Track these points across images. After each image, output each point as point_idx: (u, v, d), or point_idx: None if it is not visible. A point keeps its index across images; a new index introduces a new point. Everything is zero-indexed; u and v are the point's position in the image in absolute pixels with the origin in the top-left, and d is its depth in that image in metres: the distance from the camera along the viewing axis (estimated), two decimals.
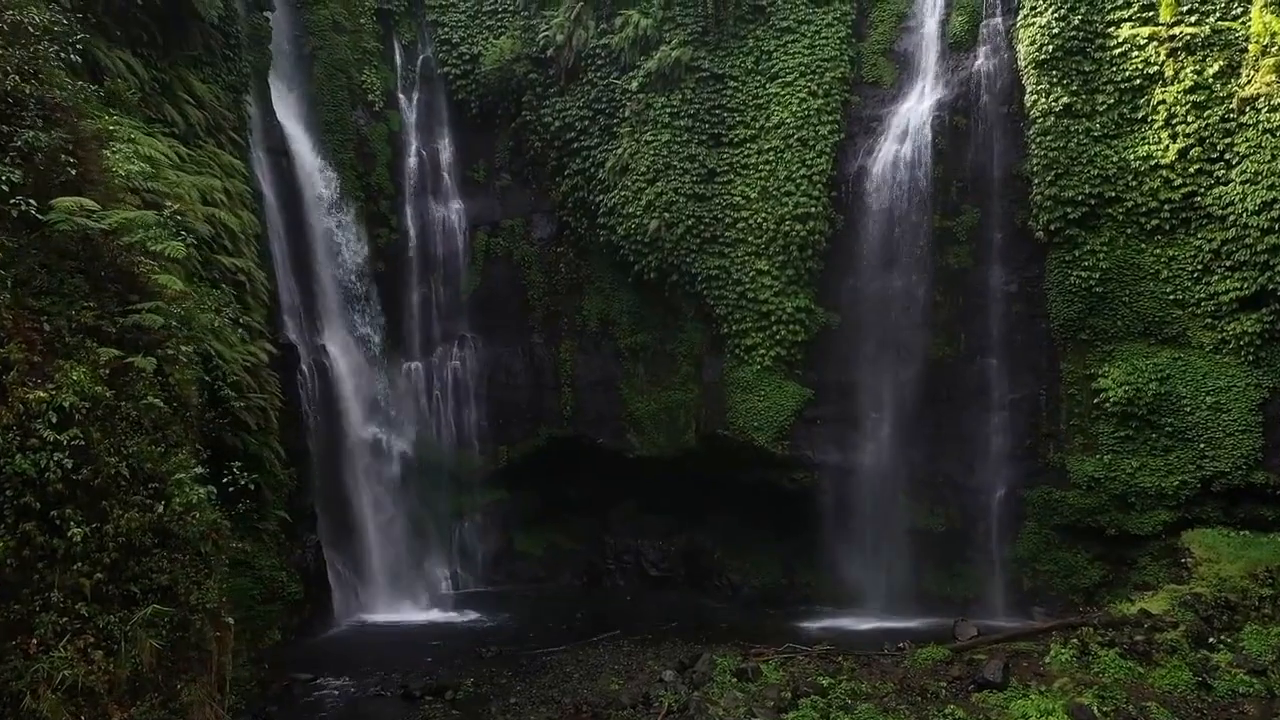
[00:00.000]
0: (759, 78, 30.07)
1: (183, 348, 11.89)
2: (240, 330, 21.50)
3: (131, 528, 10.33)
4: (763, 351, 29.26)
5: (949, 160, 28.34)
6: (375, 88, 32.54)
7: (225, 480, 12.73)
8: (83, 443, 9.89)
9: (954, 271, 28.42)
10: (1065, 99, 26.61)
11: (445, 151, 34.18)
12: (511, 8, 33.15)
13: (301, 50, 31.22)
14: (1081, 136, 26.57)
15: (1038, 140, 26.96)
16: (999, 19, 28.37)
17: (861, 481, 29.08)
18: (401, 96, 33.83)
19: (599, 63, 31.38)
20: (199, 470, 11.22)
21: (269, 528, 23.42)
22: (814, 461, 29.26)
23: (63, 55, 12.77)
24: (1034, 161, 27.05)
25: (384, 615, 28.17)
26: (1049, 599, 27.11)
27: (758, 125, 29.83)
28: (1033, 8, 27.31)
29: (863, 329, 29.02)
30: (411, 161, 33.68)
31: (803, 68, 29.58)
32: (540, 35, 32.14)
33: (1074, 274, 26.73)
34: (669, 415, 31.17)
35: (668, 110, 30.27)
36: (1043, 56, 26.88)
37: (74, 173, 11.34)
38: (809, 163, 29.08)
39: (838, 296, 29.37)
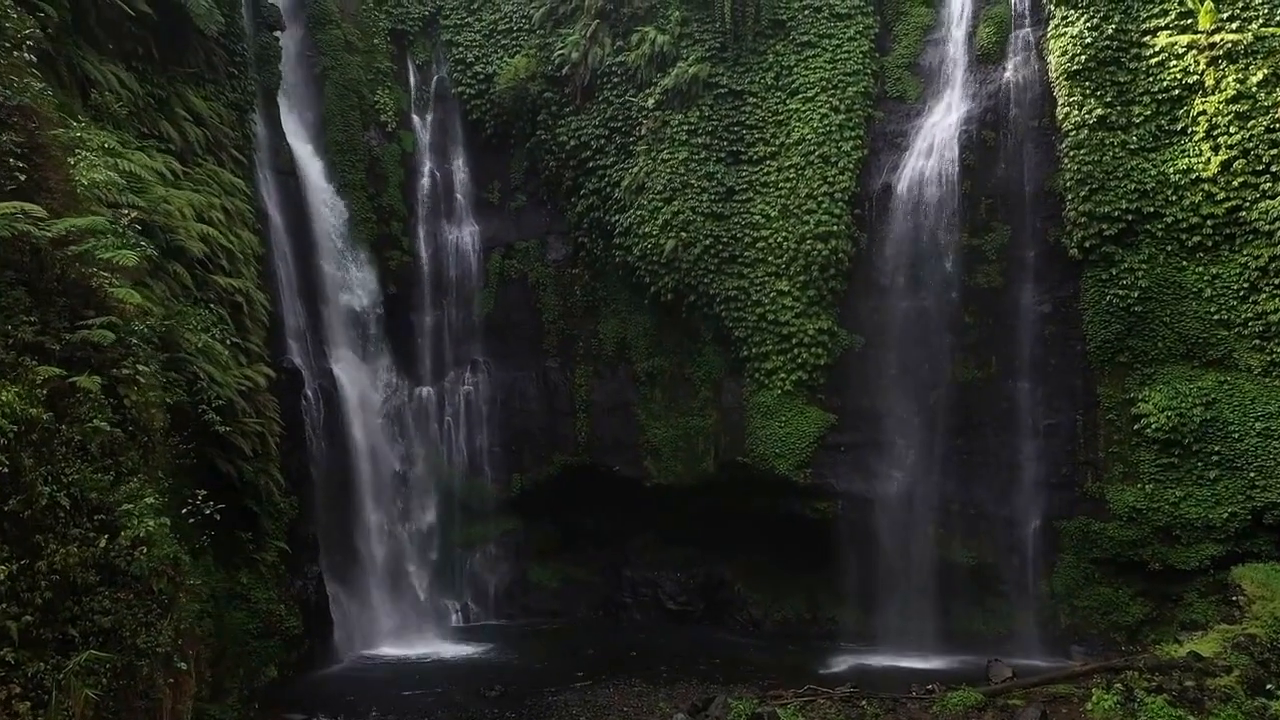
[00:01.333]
0: (779, 93, 29.20)
1: (140, 367, 10.98)
2: (236, 353, 20.84)
3: (69, 563, 9.39)
4: (783, 375, 28.17)
5: (977, 176, 27.21)
6: (388, 108, 32.05)
7: (185, 510, 11.75)
8: (8, 470, 8.97)
9: (984, 291, 27.18)
10: (1099, 111, 25.43)
11: (459, 172, 33.58)
12: (527, 26, 32.61)
13: (312, 70, 30.75)
14: (1117, 149, 25.34)
15: (1071, 154, 25.76)
16: (1028, 29, 27.27)
17: (887, 511, 27.79)
18: (415, 117, 33.30)
19: (615, 80, 30.67)
20: (151, 500, 10.25)
21: (267, 558, 22.53)
22: (837, 490, 28.01)
23: (30, 60, 12.02)
24: (1067, 176, 25.85)
25: (390, 650, 27.12)
26: (1088, 637, 25.56)
27: (778, 142, 28.92)
28: (1064, 17, 26.20)
29: (888, 352, 27.87)
30: (425, 182, 33.09)
31: (824, 83, 28.67)
32: (555, 53, 31.52)
33: (1111, 293, 25.41)
34: (687, 442, 30.06)
35: (685, 128, 29.45)
36: (1075, 67, 25.74)
37: (24, 179, 10.53)
38: (831, 180, 28.10)
39: (862, 318, 28.27)
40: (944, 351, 27.35)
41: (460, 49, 33.13)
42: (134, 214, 12.36)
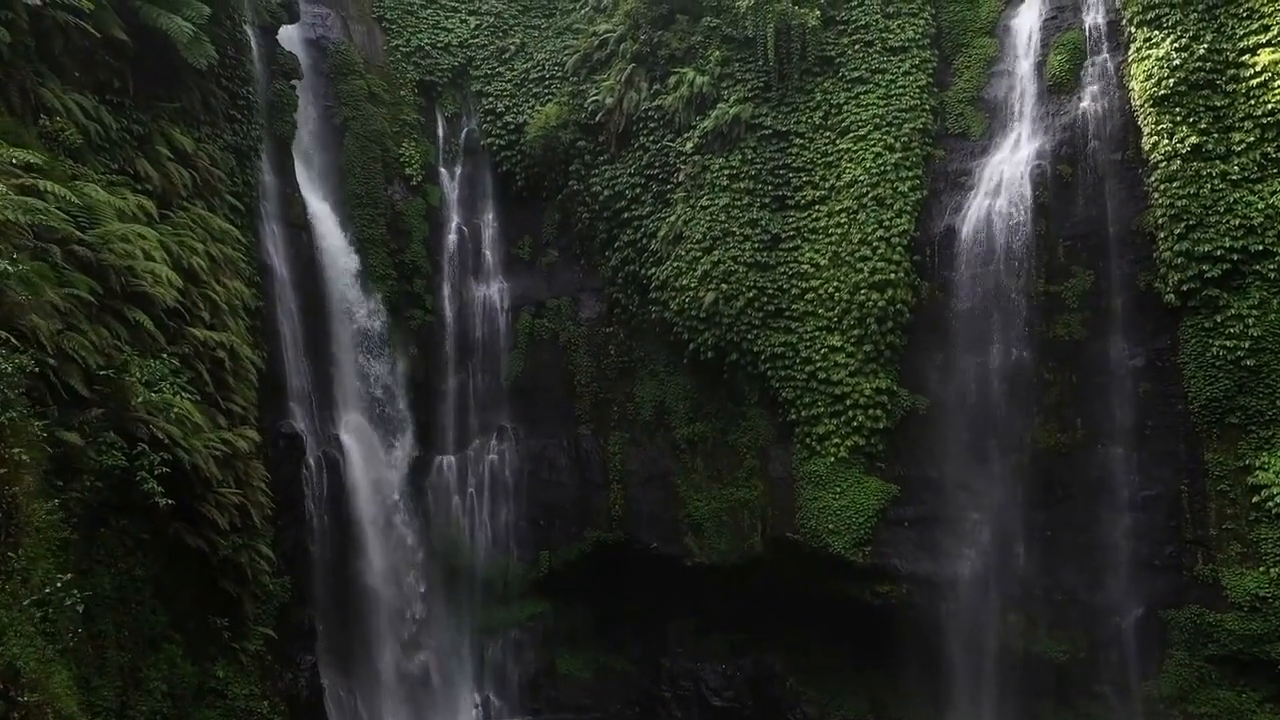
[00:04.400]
0: (828, 133, 26.94)
1: None
2: (214, 413, 18.62)
3: None
4: (837, 441, 25.38)
5: (1054, 216, 24.42)
6: (414, 161, 30.36)
7: (29, 602, 9.18)
8: None
9: (1064, 344, 24.20)
10: (1193, 139, 22.49)
11: (488, 227, 31.65)
12: (559, 74, 30.98)
13: (332, 121, 29.17)
14: (1216, 181, 22.30)
15: (1162, 188, 22.80)
16: (1106, 55, 24.60)
17: (960, 596, 24.84)
18: (443, 170, 31.58)
19: (651, 125, 28.74)
20: None
21: (249, 647, 19.90)
22: (902, 572, 24.95)
23: None
24: (1158, 213, 22.87)
25: None
26: None
27: (827, 185, 26.54)
28: (1147, 39, 23.46)
29: (956, 413, 25.14)
30: (451, 238, 31.17)
31: (877, 120, 26.32)
32: (589, 100, 29.71)
33: (1216, 344, 22.16)
34: (731, 516, 27.18)
35: (726, 172, 27.23)
36: (1163, 92, 22.93)
37: None
38: (887, 223, 25.52)
39: (925, 376, 25.61)
40: (1021, 413, 24.53)
41: (490, 99, 31.50)
42: None
